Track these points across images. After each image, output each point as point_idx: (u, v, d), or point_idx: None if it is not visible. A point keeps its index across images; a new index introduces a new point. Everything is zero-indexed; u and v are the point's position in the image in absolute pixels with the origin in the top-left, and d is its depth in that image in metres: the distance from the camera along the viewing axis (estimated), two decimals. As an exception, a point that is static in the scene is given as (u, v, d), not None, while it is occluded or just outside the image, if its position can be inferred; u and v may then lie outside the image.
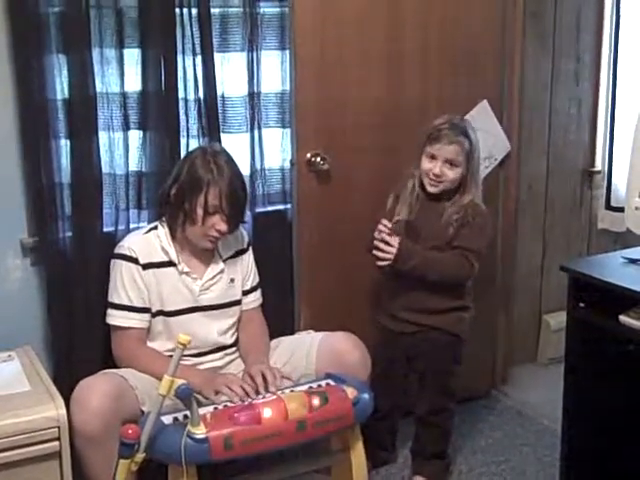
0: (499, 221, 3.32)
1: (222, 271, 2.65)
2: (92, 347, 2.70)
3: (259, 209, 3.02)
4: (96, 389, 2.28)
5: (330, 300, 2.98)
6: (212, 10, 2.78)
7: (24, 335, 2.65)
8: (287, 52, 2.89)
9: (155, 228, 2.61)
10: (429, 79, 3.05)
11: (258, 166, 2.99)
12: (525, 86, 3.42)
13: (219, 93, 2.87)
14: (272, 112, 2.99)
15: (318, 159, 2.86)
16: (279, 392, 2.36)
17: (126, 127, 2.75)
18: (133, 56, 2.70)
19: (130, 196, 2.80)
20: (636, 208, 2.44)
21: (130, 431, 2.09)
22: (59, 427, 2.19)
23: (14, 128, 2.59)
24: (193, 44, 2.77)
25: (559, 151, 3.64)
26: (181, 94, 2.80)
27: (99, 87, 2.67)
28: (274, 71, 2.95)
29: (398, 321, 2.78)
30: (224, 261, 2.66)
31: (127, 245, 2.56)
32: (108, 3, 2.63)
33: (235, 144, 2.92)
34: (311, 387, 2.43)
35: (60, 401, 2.24)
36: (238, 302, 2.70)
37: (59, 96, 2.61)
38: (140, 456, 2.12)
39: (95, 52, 2.63)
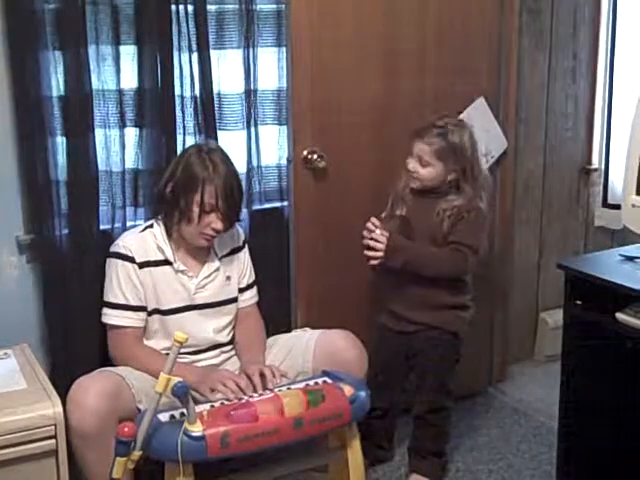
0: (496, 218, 3.32)
1: (218, 269, 2.65)
2: (88, 345, 2.70)
3: (256, 206, 3.02)
4: (92, 387, 2.27)
5: (327, 298, 2.98)
6: (208, 7, 2.78)
7: (20, 333, 2.64)
8: (283, 49, 2.89)
9: (151, 226, 2.60)
10: (426, 76, 3.04)
11: (255, 163, 2.99)
12: (522, 83, 3.42)
13: (215, 90, 2.86)
14: (268, 109, 2.99)
15: (315, 156, 2.85)
16: (276, 390, 2.36)
17: (122, 124, 2.74)
18: (129, 53, 2.69)
19: (126, 193, 2.79)
20: (633, 205, 2.44)
21: (126, 429, 2.08)
22: (55, 425, 2.18)
23: (10, 125, 2.58)
24: (189, 41, 2.77)
25: (556, 148, 3.64)
26: (177, 91, 2.80)
27: (95, 84, 2.66)
28: (270, 68, 2.95)
29: (397, 319, 2.78)
30: (220, 259, 2.66)
31: (123, 244, 2.56)
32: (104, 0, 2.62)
33: (231, 141, 2.91)
34: (308, 385, 2.43)
35: (56, 399, 2.23)
36: (234, 300, 2.70)
37: (55, 93, 2.61)
38: (137, 454, 2.12)
39: (91, 49, 2.63)
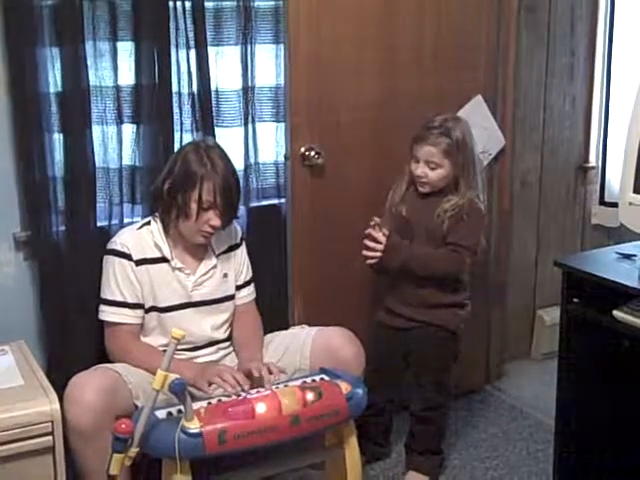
0: (493, 216, 3.32)
1: (215, 266, 2.64)
2: (86, 341, 2.69)
3: (253, 203, 3.01)
4: (89, 384, 2.27)
5: (324, 295, 2.98)
6: (206, 3, 2.77)
7: (17, 329, 2.64)
8: (281, 46, 2.88)
9: (148, 224, 2.60)
10: (424, 74, 3.04)
11: (252, 160, 2.99)
12: (519, 81, 3.42)
13: (213, 87, 2.86)
14: (266, 106, 2.98)
15: (312, 153, 2.85)
16: (273, 387, 2.36)
17: (120, 121, 2.74)
18: (127, 49, 2.69)
19: (124, 190, 2.79)
20: (630, 203, 2.44)
21: (123, 426, 2.08)
22: (52, 422, 2.18)
23: (7, 122, 2.58)
24: (187, 37, 2.76)
25: (553, 146, 3.64)
26: (175, 88, 2.79)
27: (92, 80, 2.66)
28: (268, 65, 2.94)
29: (395, 316, 2.78)
30: (217, 256, 2.66)
31: (120, 241, 2.55)
32: (101, -4, 2.62)
33: (229, 138, 2.91)
34: (305, 382, 2.43)
35: (53, 396, 2.23)
36: (231, 297, 2.70)
37: (52, 89, 2.60)
38: (134, 451, 2.12)
39: (88, 45, 2.62)
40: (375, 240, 2.68)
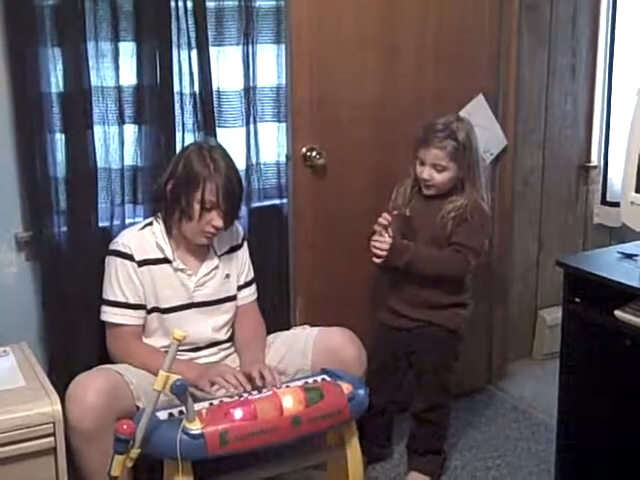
0: (495, 216, 3.31)
1: (217, 267, 2.64)
2: (87, 342, 2.69)
3: (255, 204, 3.01)
4: (91, 385, 2.27)
5: (326, 295, 2.98)
6: (207, 3, 2.77)
7: (19, 330, 2.64)
8: (283, 46, 2.88)
9: (150, 224, 2.60)
10: (425, 73, 3.04)
11: (254, 160, 2.98)
12: (521, 80, 3.41)
13: (214, 87, 2.85)
14: (268, 106, 2.98)
15: (314, 153, 2.85)
16: (274, 388, 2.36)
17: (121, 121, 2.73)
18: (128, 49, 2.68)
19: (125, 191, 2.78)
20: (632, 203, 2.44)
21: (125, 427, 2.08)
22: (54, 423, 2.18)
23: (8, 122, 2.58)
24: (188, 38, 2.76)
25: (555, 146, 3.64)
26: (176, 88, 2.79)
27: (94, 81, 2.65)
28: (270, 65, 2.94)
29: (396, 315, 2.78)
30: (219, 257, 2.66)
31: (122, 242, 2.55)
32: (103, -4, 2.62)
33: (230, 138, 2.90)
34: (307, 382, 2.43)
35: (55, 397, 2.23)
36: (233, 298, 2.70)
37: (54, 89, 2.60)
38: (135, 452, 2.12)
39: (90, 45, 2.62)
40: (380, 241, 2.67)
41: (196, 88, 2.82)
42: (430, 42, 3.03)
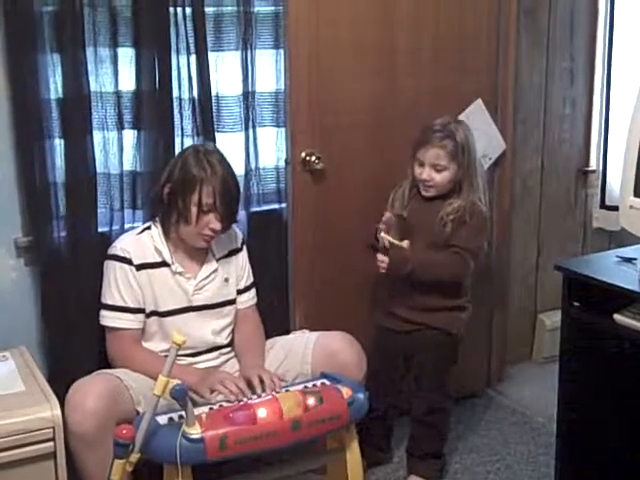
0: (494, 220, 3.32)
1: (216, 270, 2.65)
2: (87, 347, 2.69)
3: (254, 208, 3.01)
4: (91, 390, 2.27)
5: (325, 299, 2.98)
6: (206, 9, 2.78)
7: (18, 335, 2.64)
8: (281, 51, 2.89)
9: (148, 228, 2.60)
10: (423, 78, 3.04)
11: (253, 165, 2.99)
12: (519, 85, 3.42)
13: (213, 92, 2.86)
14: (267, 111, 2.98)
15: (313, 158, 2.85)
16: (274, 392, 2.36)
17: (120, 126, 2.74)
18: (127, 55, 2.69)
19: (124, 196, 2.79)
20: (630, 207, 2.44)
21: (125, 431, 2.09)
22: (54, 428, 2.18)
23: (8, 128, 2.58)
24: (187, 43, 2.77)
25: (553, 150, 3.64)
26: (175, 93, 2.80)
27: (93, 86, 2.66)
28: (268, 70, 2.95)
29: (395, 319, 2.78)
30: (218, 260, 2.66)
31: (120, 246, 2.56)
32: (102, 2, 2.61)
33: (230, 143, 2.91)
34: (306, 387, 2.43)
35: (55, 401, 2.23)
36: (232, 302, 2.70)
37: (53, 95, 2.61)
38: (135, 456, 2.12)
39: (89, 51, 2.63)
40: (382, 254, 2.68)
41: (195, 93, 2.82)
42: (428, 47, 3.03)
